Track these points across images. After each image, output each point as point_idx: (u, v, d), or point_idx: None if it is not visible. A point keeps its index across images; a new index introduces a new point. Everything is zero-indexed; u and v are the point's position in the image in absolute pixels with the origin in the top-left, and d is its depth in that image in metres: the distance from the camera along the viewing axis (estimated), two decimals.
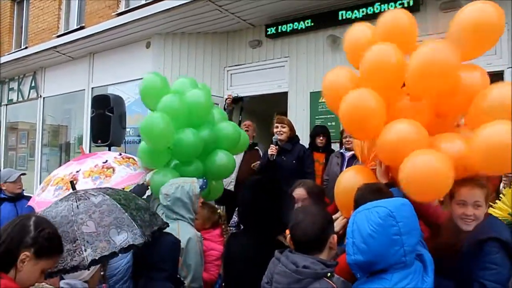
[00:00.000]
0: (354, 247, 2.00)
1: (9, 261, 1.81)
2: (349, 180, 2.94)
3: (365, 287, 2.00)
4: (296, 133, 5.36)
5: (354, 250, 2.00)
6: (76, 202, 2.26)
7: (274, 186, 2.86)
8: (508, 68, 5.10)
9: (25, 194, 5.22)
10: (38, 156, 11.02)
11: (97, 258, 2.06)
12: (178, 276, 2.79)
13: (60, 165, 10.52)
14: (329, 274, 1.99)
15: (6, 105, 12.18)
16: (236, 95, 5.58)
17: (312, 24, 6.49)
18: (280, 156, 4.98)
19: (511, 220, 3.09)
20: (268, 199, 2.71)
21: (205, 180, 3.77)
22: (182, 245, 2.93)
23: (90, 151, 8.77)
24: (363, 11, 6.01)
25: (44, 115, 10.94)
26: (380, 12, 5.67)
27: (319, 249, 2.09)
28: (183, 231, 3.08)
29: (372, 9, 5.94)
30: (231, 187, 5.59)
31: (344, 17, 6.19)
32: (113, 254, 2.13)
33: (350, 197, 2.54)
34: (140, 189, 4.26)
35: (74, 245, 2.07)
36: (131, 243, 2.17)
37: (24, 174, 5.28)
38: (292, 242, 2.15)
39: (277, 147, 4.98)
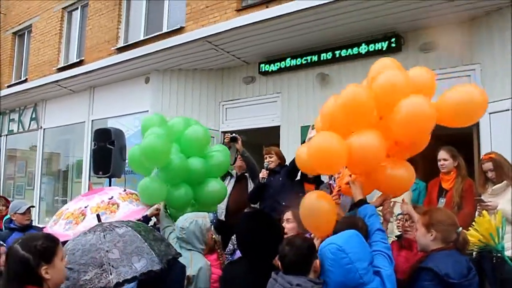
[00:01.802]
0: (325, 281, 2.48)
1: (38, 280, 2.13)
2: (311, 202, 3.31)
3: None
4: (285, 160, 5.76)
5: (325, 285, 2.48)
6: (103, 232, 2.61)
7: (267, 218, 3.35)
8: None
9: (32, 224, 5.48)
10: (37, 186, 11.21)
11: (120, 281, 2.39)
12: None
13: (56, 194, 10.86)
14: None
15: (7, 135, 12.43)
16: (233, 135, 5.91)
17: (302, 62, 6.86)
18: (270, 178, 5.37)
19: (482, 246, 3.40)
20: (263, 230, 3.13)
21: (215, 215, 4.15)
22: (194, 272, 3.34)
23: (89, 181, 9.08)
24: (349, 51, 6.42)
25: (44, 145, 11.17)
26: (367, 52, 6.16)
27: (306, 271, 2.50)
28: (195, 260, 3.48)
29: (357, 49, 6.36)
30: (222, 217, 5.96)
31: (332, 57, 6.59)
32: (134, 278, 2.46)
33: (314, 218, 3.12)
34: (144, 220, 4.59)
35: (101, 269, 2.40)
36: (150, 269, 2.51)
37: (33, 206, 5.54)
38: (281, 265, 2.56)
39: (267, 171, 5.39)
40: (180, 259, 3.15)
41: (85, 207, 4.42)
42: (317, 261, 2.54)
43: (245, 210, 5.34)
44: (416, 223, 3.01)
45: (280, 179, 5.33)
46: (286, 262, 2.54)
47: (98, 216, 3.69)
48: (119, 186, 5.51)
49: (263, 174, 5.40)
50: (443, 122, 3.06)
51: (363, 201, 3.08)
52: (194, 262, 3.47)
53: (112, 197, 4.55)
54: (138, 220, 4.50)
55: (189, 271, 3.35)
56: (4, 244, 3.94)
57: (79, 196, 4.98)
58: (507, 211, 4.12)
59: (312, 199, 3.32)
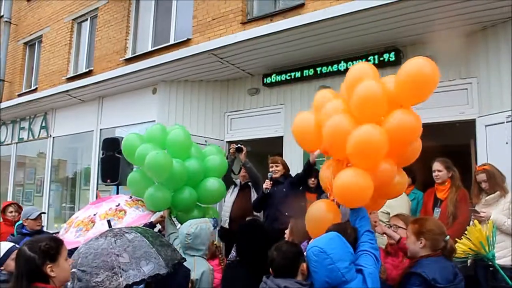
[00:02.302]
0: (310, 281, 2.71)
1: (44, 278, 2.36)
2: (316, 210, 3.50)
3: None
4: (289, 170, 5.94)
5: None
6: (114, 237, 2.80)
7: (261, 227, 3.78)
8: (478, 116, 5.62)
9: (44, 230, 5.70)
10: (46, 192, 11.43)
11: (130, 283, 2.58)
12: None
13: (63, 201, 11.08)
14: None
15: (17, 143, 12.67)
16: (238, 145, 6.12)
17: (305, 75, 7.04)
18: (273, 188, 5.54)
19: (473, 254, 3.56)
20: (257, 237, 3.52)
21: (215, 219, 4.38)
22: (197, 276, 3.56)
23: (97, 189, 9.29)
24: (350, 64, 6.57)
25: (53, 153, 11.40)
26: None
27: (294, 273, 2.73)
28: (198, 265, 3.69)
29: (358, 63, 6.52)
30: (226, 225, 6.16)
31: (334, 69, 6.79)
32: (142, 281, 2.66)
33: (317, 224, 3.26)
34: (149, 227, 4.80)
35: (112, 272, 2.59)
36: (157, 272, 2.71)
37: (44, 213, 5.75)
38: (272, 271, 2.79)
39: (271, 182, 5.56)
40: (185, 264, 3.38)
41: (94, 215, 4.63)
42: (304, 264, 2.75)
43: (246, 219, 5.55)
44: (407, 231, 3.19)
45: (284, 190, 5.49)
46: (275, 266, 2.79)
47: (108, 222, 3.96)
48: (126, 193, 5.72)
49: (266, 184, 5.57)
50: (401, 100, 3.21)
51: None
52: (197, 267, 3.68)
53: (119, 204, 4.77)
54: (144, 225, 4.73)
55: (192, 275, 3.57)
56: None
57: (88, 205, 5.20)
58: (499, 221, 4.29)
59: (317, 210, 3.48)
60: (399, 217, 3.94)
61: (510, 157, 4.95)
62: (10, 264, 3.93)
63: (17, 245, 4.20)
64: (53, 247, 2.44)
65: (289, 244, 2.96)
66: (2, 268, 3.93)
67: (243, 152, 5.98)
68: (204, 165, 4.97)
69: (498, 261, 3.74)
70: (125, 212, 4.68)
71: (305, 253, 2.84)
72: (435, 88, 3.17)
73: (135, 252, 2.76)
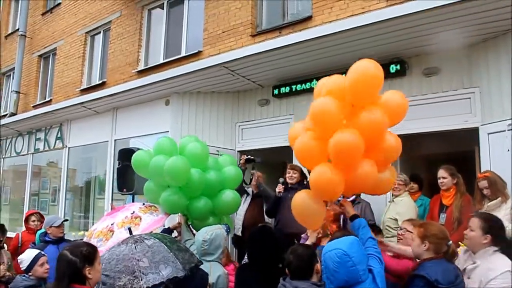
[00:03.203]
0: (327, 280, 2.95)
1: (82, 279, 2.63)
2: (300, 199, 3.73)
3: None
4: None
5: (327, 281, 2.95)
6: (134, 244, 3.06)
7: (270, 232, 4.04)
8: (481, 125, 5.80)
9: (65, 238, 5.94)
10: (62, 202, 11.69)
11: (150, 286, 2.82)
12: None
13: (78, 210, 11.35)
14: None
15: (33, 153, 12.95)
16: (249, 156, 6.36)
17: (313, 86, 7.20)
18: (286, 193, 5.75)
19: None
20: (267, 242, 3.80)
21: (227, 225, 4.65)
22: (213, 280, 3.82)
23: (112, 198, 9.56)
24: None
25: (68, 164, 11.66)
26: None
27: (310, 275, 2.96)
28: (214, 269, 3.95)
29: None
30: (239, 233, 6.41)
31: None
32: (162, 283, 2.90)
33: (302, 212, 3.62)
34: (166, 233, 5.06)
35: (133, 275, 2.84)
36: (175, 275, 2.96)
37: (66, 220, 6.00)
38: (288, 271, 3.01)
39: (283, 186, 5.81)
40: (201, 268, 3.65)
41: (112, 224, 4.89)
42: (318, 265, 3.00)
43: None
44: (412, 234, 3.41)
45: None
46: (292, 268, 3.02)
47: (129, 229, 4.24)
48: (140, 201, 5.97)
49: (279, 188, 5.81)
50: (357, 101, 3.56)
51: (356, 216, 3.59)
52: (213, 271, 3.93)
53: (133, 212, 5.04)
54: (162, 231, 4.99)
55: (209, 279, 3.82)
56: (46, 254, 4.43)
57: (104, 216, 5.47)
58: None
59: (301, 199, 3.72)
60: (411, 221, 4.13)
61: (511, 165, 5.13)
62: (38, 269, 4.22)
63: (42, 252, 4.48)
64: (91, 252, 2.71)
65: (303, 247, 3.21)
66: (30, 273, 4.20)
67: (254, 178, 6.20)
68: (221, 176, 5.21)
69: None
70: (140, 219, 4.94)
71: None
72: (381, 84, 3.58)
73: (154, 257, 3.00)
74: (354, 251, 2.94)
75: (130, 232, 4.14)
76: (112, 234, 4.70)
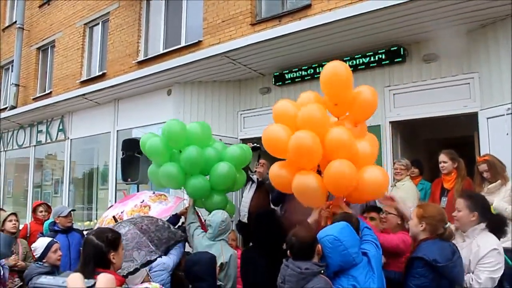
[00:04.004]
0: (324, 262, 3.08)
1: (107, 263, 2.72)
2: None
3: (338, 281, 3.06)
4: None
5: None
6: None
7: (274, 216, 4.30)
8: (480, 110, 5.88)
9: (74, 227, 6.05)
10: (65, 193, 11.79)
11: (125, 274, 2.97)
12: (218, 285, 3.75)
13: (80, 202, 11.46)
14: (322, 271, 2.98)
15: (35, 146, 13.01)
16: (254, 144, 6.43)
17: (314, 72, 7.27)
18: None
19: None
20: (274, 226, 3.97)
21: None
22: (226, 259, 4.03)
23: (116, 188, 9.66)
24: (358, 62, 6.86)
25: (71, 155, 11.74)
26: (375, 62, 6.62)
27: (311, 256, 3.08)
28: (225, 249, 4.17)
29: (365, 60, 6.80)
30: (245, 220, 6.52)
31: None
32: (136, 270, 3.05)
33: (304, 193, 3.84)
34: (174, 219, 5.20)
35: None
36: (148, 259, 3.12)
37: (74, 210, 6.10)
38: (290, 253, 3.14)
39: None
40: (212, 250, 3.94)
41: (122, 212, 5.01)
42: (319, 246, 3.12)
43: None
44: (411, 214, 3.53)
45: None
46: (294, 250, 3.14)
47: (114, 217, 4.39)
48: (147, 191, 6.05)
49: None
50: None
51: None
52: (225, 251, 4.16)
53: (143, 201, 5.16)
54: (170, 217, 5.14)
55: (222, 259, 4.04)
56: (58, 242, 4.55)
57: (115, 204, 5.56)
58: (501, 208, 4.57)
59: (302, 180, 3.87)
60: (393, 205, 4.21)
61: (510, 148, 5.23)
62: (51, 256, 4.34)
63: (54, 239, 4.60)
64: (116, 238, 2.81)
65: (305, 230, 3.32)
66: (44, 260, 4.31)
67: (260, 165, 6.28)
68: (221, 153, 5.29)
69: None
70: (149, 207, 5.06)
71: None
72: (351, 82, 3.92)
73: (127, 245, 3.16)
74: (345, 235, 3.09)
75: (115, 220, 4.28)
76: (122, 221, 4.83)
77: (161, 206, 5.13)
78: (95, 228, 5.19)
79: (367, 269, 3.06)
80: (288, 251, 3.21)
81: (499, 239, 3.37)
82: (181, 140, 5.03)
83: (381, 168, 4.21)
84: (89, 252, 2.71)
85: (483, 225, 3.38)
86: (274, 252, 3.68)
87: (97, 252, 2.70)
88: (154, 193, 5.46)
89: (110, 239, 2.76)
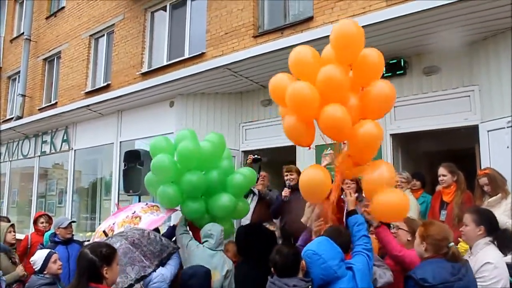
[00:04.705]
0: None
1: (100, 278, 2.73)
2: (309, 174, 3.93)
3: None
4: None
5: None
6: None
7: (261, 229, 4.37)
8: (481, 122, 5.87)
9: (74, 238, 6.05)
10: (68, 204, 11.81)
11: None
12: None
13: (84, 212, 11.50)
14: (309, 286, 2.99)
15: (39, 156, 13.08)
16: (255, 156, 6.45)
17: None
18: (291, 196, 5.83)
19: None
20: (258, 239, 4.07)
21: None
22: (230, 267, 4.20)
23: (118, 199, 9.69)
24: None
25: (75, 166, 11.78)
26: None
27: (296, 272, 3.09)
28: (227, 259, 4.32)
29: None
30: None
31: None
32: (131, 286, 3.06)
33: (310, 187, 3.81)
34: (171, 230, 5.20)
35: None
36: (142, 274, 3.12)
37: (74, 221, 6.12)
38: (274, 270, 3.15)
39: (290, 190, 5.87)
40: (215, 259, 4.07)
41: (113, 224, 5.05)
42: (303, 262, 3.12)
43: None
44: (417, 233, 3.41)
45: (301, 197, 5.80)
46: (278, 268, 3.14)
47: (104, 232, 4.40)
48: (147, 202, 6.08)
49: (286, 192, 5.87)
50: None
51: (354, 211, 3.71)
52: (228, 260, 4.28)
53: (134, 212, 5.18)
54: (168, 228, 5.16)
55: (226, 266, 4.17)
56: (56, 252, 4.58)
57: (110, 216, 5.60)
58: (501, 221, 4.51)
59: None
60: (404, 220, 4.17)
61: (510, 161, 5.21)
62: (52, 267, 4.37)
63: (53, 250, 4.62)
64: (111, 253, 2.82)
65: (288, 247, 3.33)
66: (45, 272, 4.33)
67: (261, 178, 6.29)
68: (224, 180, 5.23)
69: None
70: (140, 218, 5.08)
71: None
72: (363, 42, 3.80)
73: (121, 260, 3.15)
74: (323, 249, 3.11)
75: (106, 235, 4.28)
76: (112, 233, 4.83)
77: (152, 217, 5.14)
78: (91, 241, 5.24)
79: (351, 284, 3.05)
80: (272, 268, 3.21)
81: (505, 254, 3.34)
82: (193, 162, 5.02)
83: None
84: (83, 266, 2.73)
85: (486, 239, 3.35)
86: (264, 265, 3.66)
87: (91, 266, 2.71)
88: (147, 204, 5.49)
89: (104, 254, 2.77)
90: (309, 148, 4.11)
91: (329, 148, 4.27)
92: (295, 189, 5.89)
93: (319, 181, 3.77)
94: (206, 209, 5.14)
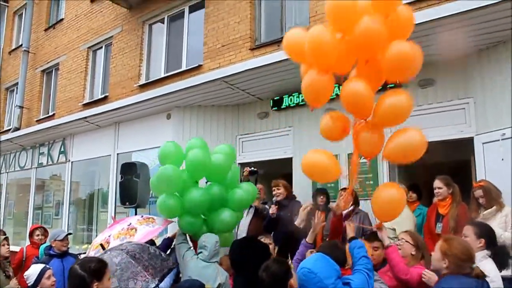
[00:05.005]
0: None
1: None
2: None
3: None
4: (294, 192, 6.36)
5: None
6: None
7: (257, 243, 4.32)
8: (476, 135, 5.90)
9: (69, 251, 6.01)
10: (65, 215, 11.75)
11: None
12: None
13: (81, 223, 11.45)
14: None
15: (36, 168, 13.03)
16: (252, 168, 6.46)
17: None
18: (279, 212, 5.84)
19: None
20: (251, 252, 4.06)
21: None
22: (222, 280, 4.16)
23: (115, 211, 9.66)
24: None
25: (71, 177, 11.74)
26: None
27: None
28: (220, 270, 4.30)
29: None
30: None
31: (339, 92, 7.10)
32: None
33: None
34: (167, 242, 5.21)
35: None
36: None
37: (70, 234, 6.09)
38: None
39: (276, 206, 5.87)
40: (209, 271, 4.09)
41: (109, 236, 5.04)
42: (292, 280, 3.13)
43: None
44: (435, 245, 3.29)
45: (289, 214, 5.71)
46: (265, 286, 3.13)
47: (101, 245, 4.37)
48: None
49: (272, 210, 5.86)
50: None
51: (354, 238, 3.77)
52: (221, 272, 4.26)
53: (130, 224, 5.20)
54: (163, 240, 5.15)
55: (219, 279, 4.14)
56: (51, 268, 4.54)
57: (106, 229, 5.59)
58: (497, 234, 4.54)
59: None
60: (408, 233, 4.16)
61: (505, 173, 5.23)
62: (45, 282, 4.32)
63: (47, 266, 4.58)
64: (101, 267, 2.81)
65: (277, 263, 3.29)
66: (38, 287, 4.30)
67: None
68: (226, 196, 5.25)
69: None
70: (136, 230, 5.09)
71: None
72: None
73: (122, 275, 3.15)
74: (319, 267, 3.04)
75: (103, 248, 4.24)
76: (109, 245, 4.83)
77: (148, 228, 5.15)
78: (87, 253, 5.22)
79: None
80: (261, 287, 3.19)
81: (502, 269, 3.34)
82: (201, 173, 5.03)
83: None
84: (73, 282, 2.72)
85: (485, 252, 3.36)
86: (254, 279, 3.65)
87: (80, 282, 2.71)
88: (142, 216, 5.49)
89: (94, 269, 2.76)
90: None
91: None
92: (282, 205, 5.91)
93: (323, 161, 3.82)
94: (206, 224, 5.17)
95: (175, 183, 4.95)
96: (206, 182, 5.36)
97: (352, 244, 3.62)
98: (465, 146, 6.22)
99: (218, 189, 5.15)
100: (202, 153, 5.01)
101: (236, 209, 5.31)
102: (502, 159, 5.38)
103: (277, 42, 8.12)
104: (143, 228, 5.08)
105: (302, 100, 7.46)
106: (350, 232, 3.87)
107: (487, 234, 3.46)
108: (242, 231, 6.50)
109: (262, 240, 4.80)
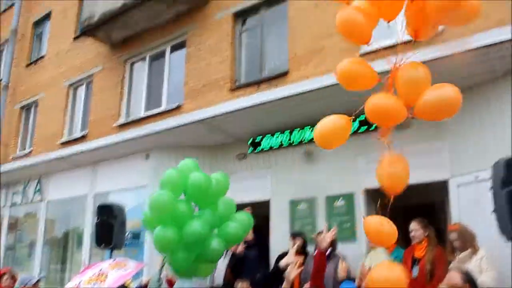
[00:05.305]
0: None
1: None
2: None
3: None
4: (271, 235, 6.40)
5: None
6: None
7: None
8: (451, 177, 6.01)
9: None
10: (38, 256, 11.42)
11: None
12: None
13: (55, 263, 11.11)
14: None
15: (10, 207, 12.73)
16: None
17: (290, 139, 7.39)
18: (248, 252, 5.90)
19: None
20: None
21: None
22: None
23: (90, 252, 9.44)
24: None
25: (47, 217, 11.49)
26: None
27: None
28: None
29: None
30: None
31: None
32: None
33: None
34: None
35: None
36: None
37: (43, 277, 5.91)
38: None
39: (245, 245, 5.89)
40: None
41: (79, 282, 4.93)
42: None
43: None
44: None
45: (253, 260, 5.83)
46: None
47: None
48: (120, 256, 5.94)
49: (238, 249, 5.86)
50: None
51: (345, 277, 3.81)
52: None
53: (101, 269, 5.06)
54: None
55: None
56: None
57: (77, 274, 5.47)
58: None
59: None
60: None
61: (480, 216, 5.28)
62: None
63: None
64: None
65: None
66: None
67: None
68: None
69: None
70: (106, 275, 4.97)
71: None
72: None
73: None
74: None
75: None
76: None
77: (120, 272, 5.03)
78: None
79: None
80: None
81: None
82: (203, 197, 4.88)
83: None
84: None
85: None
86: None
87: None
88: (114, 260, 5.39)
89: None
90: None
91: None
92: (249, 246, 5.88)
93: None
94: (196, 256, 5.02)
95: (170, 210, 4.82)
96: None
97: (344, 285, 3.60)
98: (440, 188, 6.29)
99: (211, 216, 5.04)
100: (202, 174, 4.88)
101: (228, 241, 5.16)
102: (476, 202, 5.44)
103: (257, 83, 8.22)
104: (115, 272, 4.97)
105: (281, 142, 7.52)
106: (342, 272, 3.84)
107: (472, 281, 3.47)
108: (219, 274, 6.36)
109: (239, 285, 4.72)
